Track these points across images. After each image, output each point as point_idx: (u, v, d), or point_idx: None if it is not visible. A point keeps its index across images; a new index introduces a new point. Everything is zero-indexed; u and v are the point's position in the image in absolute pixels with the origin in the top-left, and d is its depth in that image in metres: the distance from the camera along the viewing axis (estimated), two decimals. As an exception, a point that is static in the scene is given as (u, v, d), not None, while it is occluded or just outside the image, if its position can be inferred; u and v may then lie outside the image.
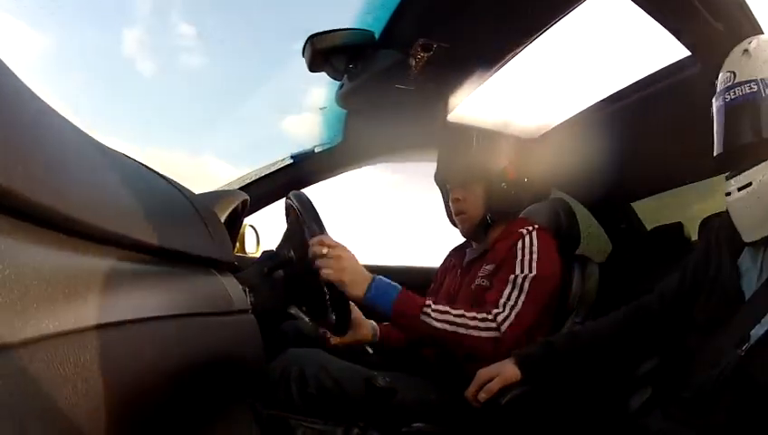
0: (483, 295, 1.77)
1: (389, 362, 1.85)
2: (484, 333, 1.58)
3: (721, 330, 1.25)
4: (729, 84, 1.24)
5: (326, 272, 1.48)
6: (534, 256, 1.75)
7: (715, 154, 1.28)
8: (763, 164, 1.18)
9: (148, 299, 0.59)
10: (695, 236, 2.65)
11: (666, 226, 2.84)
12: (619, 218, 3.00)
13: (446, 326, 1.55)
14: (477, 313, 1.61)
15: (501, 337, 1.58)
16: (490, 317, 1.61)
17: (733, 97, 1.23)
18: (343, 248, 1.51)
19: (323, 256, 1.48)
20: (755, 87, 1.19)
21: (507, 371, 1.46)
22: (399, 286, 1.58)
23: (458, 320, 1.58)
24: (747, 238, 1.24)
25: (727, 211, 1.31)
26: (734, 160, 1.24)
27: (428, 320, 1.55)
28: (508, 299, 1.66)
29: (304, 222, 1.51)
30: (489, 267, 1.82)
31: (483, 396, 1.44)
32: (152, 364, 0.57)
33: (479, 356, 1.57)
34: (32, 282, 0.40)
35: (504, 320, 1.61)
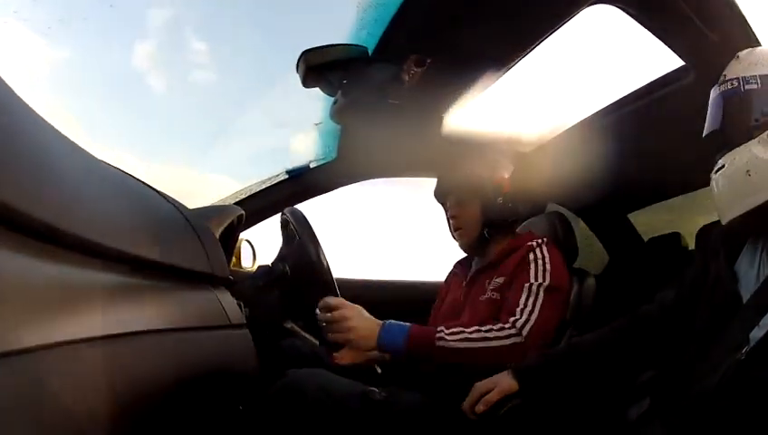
0: (494, 309, 1.77)
1: (390, 376, 1.84)
2: (506, 341, 1.60)
3: (720, 336, 1.24)
4: (719, 83, 1.35)
5: (333, 337, 1.56)
6: (548, 267, 1.77)
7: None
8: (735, 150, 1.25)
9: (141, 313, 0.59)
10: (692, 246, 2.65)
11: (663, 236, 2.84)
12: (615, 230, 3.00)
13: (466, 344, 1.59)
14: (493, 324, 1.63)
15: (524, 342, 1.60)
16: (508, 325, 1.63)
17: (717, 93, 1.35)
18: (347, 307, 1.58)
19: (329, 320, 1.56)
20: (736, 83, 1.31)
21: (504, 382, 1.45)
22: (408, 325, 1.62)
23: (475, 335, 1.60)
24: (723, 220, 1.29)
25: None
26: (717, 145, 1.33)
27: (445, 344, 1.58)
28: (525, 305, 1.68)
29: (300, 239, 1.52)
30: (500, 280, 1.82)
31: (480, 408, 1.43)
32: (144, 377, 0.56)
33: (506, 366, 1.56)
34: (27, 294, 0.40)
35: (524, 324, 1.63)
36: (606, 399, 1.58)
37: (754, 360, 1.15)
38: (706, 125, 1.36)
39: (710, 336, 1.27)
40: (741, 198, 1.22)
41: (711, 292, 1.34)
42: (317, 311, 1.61)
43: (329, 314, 1.58)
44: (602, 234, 3.02)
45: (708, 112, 1.37)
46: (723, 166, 1.26)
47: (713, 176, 1.30)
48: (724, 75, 1.34)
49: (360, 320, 1.59)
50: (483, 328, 1.62)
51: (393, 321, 1.63)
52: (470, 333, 1.61)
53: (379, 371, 1.72)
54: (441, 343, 1.58)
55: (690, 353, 1.32)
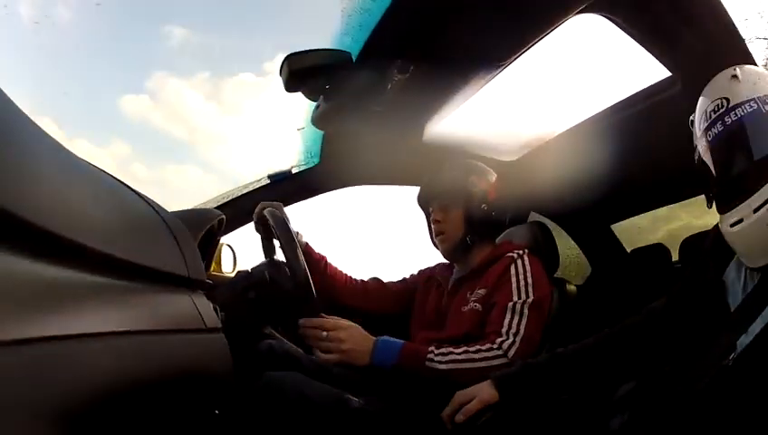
0: (477, 321, 1.80)
1: (370, 383, 1.83)
2: (493, 362, 1.62)
3: (707, 344, 1.25)
4: (723, 110, 1.18)
5: (327, 357, 1.60)
6: (529, 281, 1.79)
7: (716, 184, 1.23)
8: None
9: (113, 313, 0.58)
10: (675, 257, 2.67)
11: (647, 247, 2.86)
12: (598, 240, 3.01)
13: (453, 366, 1.61)
14: (481, 345, 1.66)
15: (509, 363, 1.61)
16: (495, 346, 1.66)
17: (733, 119, 1.16)
18: (342, 327, 1.62)
19: (322, 339, 1.59)
20: (755, 105, 1.15)
21: (485, 393, 1.44)
22: (401, 341, 1.66)
23: (463, 356, 1.63)
24: (754, 264, 1.19)
25: (714, 233, 1.33)
26: (743, 184, 1.17)
27: (434, 365, 1.62)
28: (510, 327, 1.70)
29: (278, 240, 1.52)
30: (482, 291, 1.84)
31: (460, 418, 1.42)
32: (116, 379, 0.56)
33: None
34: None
35: (511, 346, 1.66)
36: (587, 410, 1.58)
37: (741, 366, 1.16)
38: (720, 171, 1.20)
39: (697, 345, 1.28)
40: None
41: (699, 301, 1.35)
42: (303, 326, 1.61)
43: (324, 334, 1.60)
44: (585, 244, 3.03)
45: (716, 156, 1.20)
46: (761, 206, 1.11)
47: (749, 216, 1.14)
48: (725, 99, 1.18)
49: (355, 338, 1.63)
50: (471, 349, 1.65)
51: (386, 338, 1.67)
52: (458, 353, 1.63)
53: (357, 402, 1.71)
54: (429, 363, 1.62)
55: (676, 362, 1.33)
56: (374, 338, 1.65)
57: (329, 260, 2.08)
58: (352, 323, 1.66)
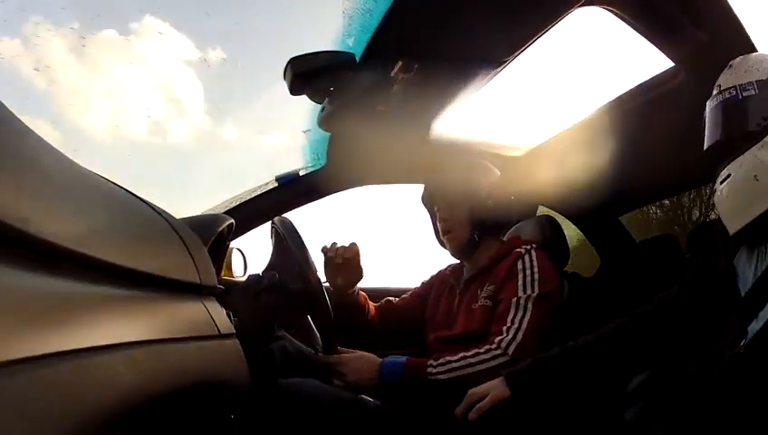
0: (487, 317, 1.81)
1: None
2: (492, 362, 1.63)
3: (718, 331, 1.26)
4: (714, 95, 1.34)
5: (338, 384, 1.65)
6: (536, 276, 1.80)
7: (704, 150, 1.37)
8: (740, 157, 1.25)
9: (125, 324, 0.58)
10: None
11: (655, 238, 2.84)
12: (606, 233, 3.00)
13: (454, 374, 1.63)
14: (479, 348, 1.67)
15: (510, 360, 1.63)
16: (493, 346, 1.66)
17: (714, 104, 1.33)
18: (345, 361, 1.67)
19: (332, 375, 1.65)
20: (733, 92, 1.29)
21: (497, 390, 1.45)
22: (403, 359, 1.69)
23: (461, 363, 1.65)
24: (731, 229, 1.28)
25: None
26: (718, 157, 1.32)
27: (436, 377, 1.64)
28: (512, 323, 1.71)
29: (289, 247, 1.52)
30: (491, 288, 1.85)
31: (473, 416, 1.43)
32: (129, 389, 0.55)
33: None
34: (9, 305, 0.39)
35: (510, 343, 1.66)
36: (601, 402, 1.58)
37: (753, 352, 1.17)
38: (707, 138, 1.35)
39: (708, 332, 1.29)
40: (751, 204, 1.23)
41: (710, 288, 1.36)
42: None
43: (330, 371, 1.65)
44: (594, 237, 3.02)
45: (707, 125, 1.36)
46: (729, 175, 1.25)
47: (718, 187, 1.29)
48: (719, 86, 1.33)
49: (359, 368, 1.66)
50: (468, 353, 1.66)
51: (392, 358, 1.70)
52: (456, 361, 1.65)
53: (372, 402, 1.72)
54: (432, 376, 1.64)
55: (689, 351, 1.33)
56: (381, 360, 1.68)
57: (370, 305, 2.09)
58: (355, 354, 1.70)
